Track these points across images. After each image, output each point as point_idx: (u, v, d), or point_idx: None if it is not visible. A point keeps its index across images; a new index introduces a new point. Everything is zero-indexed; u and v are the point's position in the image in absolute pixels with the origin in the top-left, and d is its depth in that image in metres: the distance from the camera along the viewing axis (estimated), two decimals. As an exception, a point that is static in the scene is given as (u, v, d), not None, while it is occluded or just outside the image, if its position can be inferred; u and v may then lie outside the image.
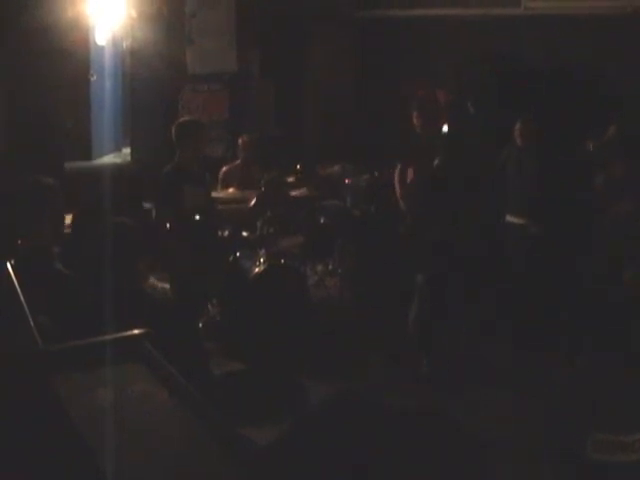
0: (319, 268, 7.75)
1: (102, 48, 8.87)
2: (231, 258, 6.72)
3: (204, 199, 6.56)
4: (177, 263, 6.25)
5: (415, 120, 6.02)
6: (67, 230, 5.06)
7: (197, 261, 6.30)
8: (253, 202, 7.09)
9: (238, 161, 8.28)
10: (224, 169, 8.23)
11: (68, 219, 5.07)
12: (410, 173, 6.05)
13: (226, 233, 6.78)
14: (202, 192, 6.56)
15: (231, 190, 7.82)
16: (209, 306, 6.67)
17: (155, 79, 8.98)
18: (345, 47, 10.15)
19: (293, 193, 7.68)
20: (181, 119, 7.11)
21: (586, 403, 4.04)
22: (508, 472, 4.70)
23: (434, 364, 6.02)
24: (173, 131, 6.47)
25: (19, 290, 3.12)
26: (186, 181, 6.35)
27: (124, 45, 9.08)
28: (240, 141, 8.29)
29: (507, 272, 6.77)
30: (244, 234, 7.03)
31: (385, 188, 7.33)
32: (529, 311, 6.46)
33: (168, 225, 6.23)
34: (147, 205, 6.90)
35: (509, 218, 7.02)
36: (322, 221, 7.68)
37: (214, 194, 7.23)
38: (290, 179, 7.93)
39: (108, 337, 2.88)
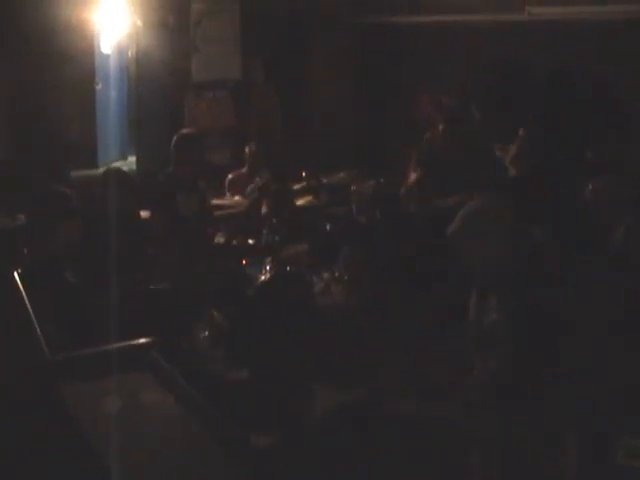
0: (325, 275, 7.72)
1: (107, 56, 8.89)
2: (236, 265, 6.74)
3: (197, 205, 6.71)
4: (174, 268, 6.33)
5: None
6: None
7: (194, 266, 6.39)
8: (246, 206, 7.25)
9: (244, 169, 8.28)
10: (230, 177, 8.24)
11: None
12: None
13: (222, 240, 6.87)
14: (195, 199, 6.71)
15: (237, 198, 7.82)
16: (214, 313, 6.67)
17: (160, 87, 9.00)
18: (346, 48, 10.19)
19: (298, 201, 7.68)
20: (182, 131, 7.13)
21: (615, 405, 4.01)
22: (508, 472, 4.69)
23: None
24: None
25: (26, 299, 3.13)
26: (179, 190, 6.54)
27: (129, 53, 9.11)
28: (247, 150, 8.29)
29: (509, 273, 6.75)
30: (250, 242, 7.05)
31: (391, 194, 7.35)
32: (529, 313, 6.44)
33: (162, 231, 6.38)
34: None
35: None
36: (328, 228, 7.68)
37: (219, 201, 7.33)
38: (295, 186, 7.92)
39: (115, 346, 2.89)
